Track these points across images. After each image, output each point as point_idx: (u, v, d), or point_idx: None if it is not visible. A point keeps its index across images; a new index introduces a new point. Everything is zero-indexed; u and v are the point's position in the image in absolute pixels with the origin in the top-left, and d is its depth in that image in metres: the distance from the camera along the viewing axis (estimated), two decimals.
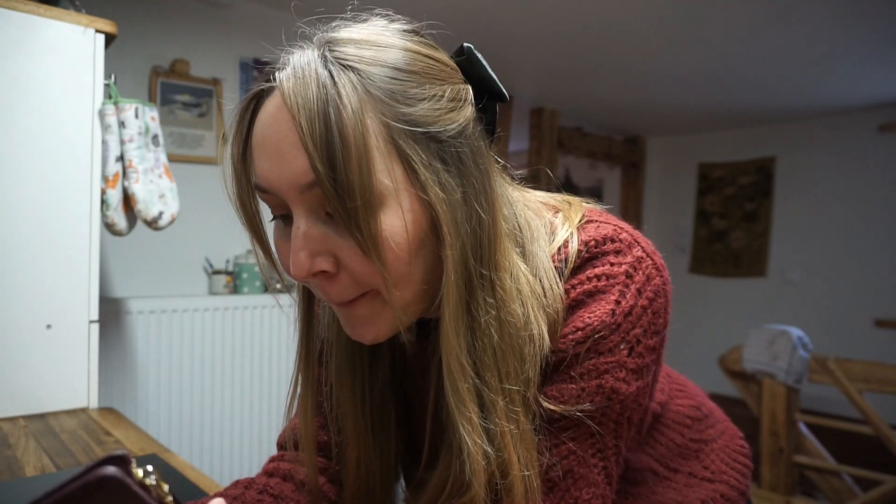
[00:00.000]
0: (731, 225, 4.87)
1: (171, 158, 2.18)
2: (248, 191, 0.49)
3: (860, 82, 3.55)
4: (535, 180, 0.64)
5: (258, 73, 2.56)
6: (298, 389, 0.58)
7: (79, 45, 1.29)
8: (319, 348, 0.62)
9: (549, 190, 0.62)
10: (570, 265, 0.52)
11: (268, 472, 0.63)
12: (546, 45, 3.10)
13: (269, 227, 0.52)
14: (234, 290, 2.45)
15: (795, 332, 2.56)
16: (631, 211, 5.01)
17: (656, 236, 5.12)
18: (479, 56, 0.52)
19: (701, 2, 2.52)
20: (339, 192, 0.42)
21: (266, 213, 0.51)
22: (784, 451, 2.58)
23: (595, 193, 5.53)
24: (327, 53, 0.45)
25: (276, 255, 0.52)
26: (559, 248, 0.53)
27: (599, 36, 2.95)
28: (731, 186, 4.88)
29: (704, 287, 4.97)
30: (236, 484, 0.61)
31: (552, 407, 0.49)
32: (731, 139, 4.88)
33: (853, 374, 2.44)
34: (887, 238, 4.11)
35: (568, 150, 4.41)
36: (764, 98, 3.93)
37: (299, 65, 0.45)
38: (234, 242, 2.49)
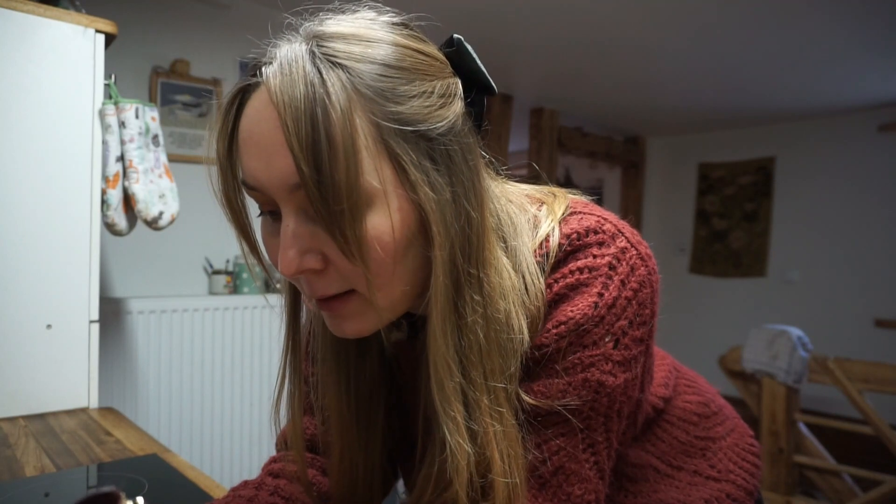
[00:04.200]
0: (731, 225, 4.87)
1: (171, 158, 2.17)
2: (234, 187, 0.48)
3: (860, 82, 3.55)
4: (535, 180, 0.63)
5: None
6: (286, 384, 0.57)
7: (79, 45, 1.29)
8: (307, 341, 0.61)
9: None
10: (552, 259, 0.51)
11: (273, 473, 0.62)
12: (546, 45, 3.10)
13: (256, 223, 0.51)
14: (234, 290, 2.45)
15: (795, 331, 2.56)
16: (631, 211, 5.01)
17: (656, 236, 5.13)
18: (469, 48, 0.51)
19: (702, 2, 2.53)
20: (323, 194, 0.41)
21: (252, 208, 0.50)
22: (784, 451, 2.58)
23: (595, 193, 5.52)
24: (315, 49, 0.44)
25: (263, 252, 0.51)
26: (541, 243, 0.52)
27: (599, 36, 2.95)
28: (731, 186, 4.88)
29: (704, 287, 4.97)
30: (245, 484, 0.60)
31: (539, 402, 0.48)
32: (731, 139, 4.88)
33: (853, 374, 2.44)
34: (887, 238, 4.11)
35: (568, 150, 4.41)
36: (764, 98, 3.93)
37: (286, 61, 0.43)
38: (234, 242, 2.48)
